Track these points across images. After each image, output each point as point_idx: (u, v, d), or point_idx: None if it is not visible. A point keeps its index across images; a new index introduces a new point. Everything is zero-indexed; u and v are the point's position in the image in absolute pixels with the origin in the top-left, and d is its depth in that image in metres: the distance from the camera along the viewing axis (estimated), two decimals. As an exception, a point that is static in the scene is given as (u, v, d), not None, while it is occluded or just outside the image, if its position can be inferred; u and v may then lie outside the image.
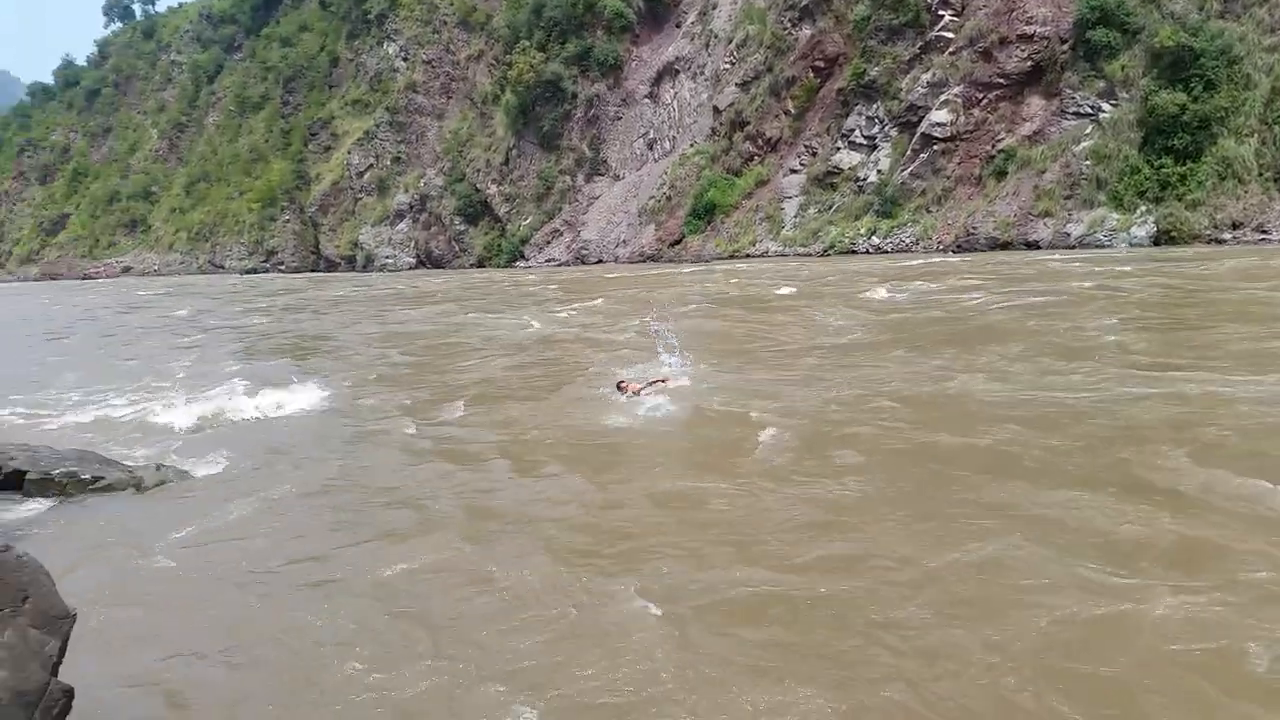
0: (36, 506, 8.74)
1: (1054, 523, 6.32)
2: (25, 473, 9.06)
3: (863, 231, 44.21)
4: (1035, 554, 5.71)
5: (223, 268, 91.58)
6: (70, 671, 3.97)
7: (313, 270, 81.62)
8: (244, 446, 10.98)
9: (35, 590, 3.87)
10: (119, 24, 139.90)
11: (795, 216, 48.91)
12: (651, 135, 62.48)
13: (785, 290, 26.51)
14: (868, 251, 42.58)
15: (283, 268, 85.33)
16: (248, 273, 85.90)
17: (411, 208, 75.65)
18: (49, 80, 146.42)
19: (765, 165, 52.60)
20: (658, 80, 62.77)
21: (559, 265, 60.19)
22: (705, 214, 53.33)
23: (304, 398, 13.88)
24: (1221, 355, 11.78)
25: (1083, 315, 16.65)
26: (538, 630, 5.31)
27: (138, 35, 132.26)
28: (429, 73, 78.56)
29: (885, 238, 43.15)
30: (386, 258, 74.87)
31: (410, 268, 72.46)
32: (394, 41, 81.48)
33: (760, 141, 53.16)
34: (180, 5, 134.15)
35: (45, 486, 9.00)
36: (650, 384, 11.51)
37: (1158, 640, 4.56)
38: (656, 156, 61.52)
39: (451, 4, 77.87)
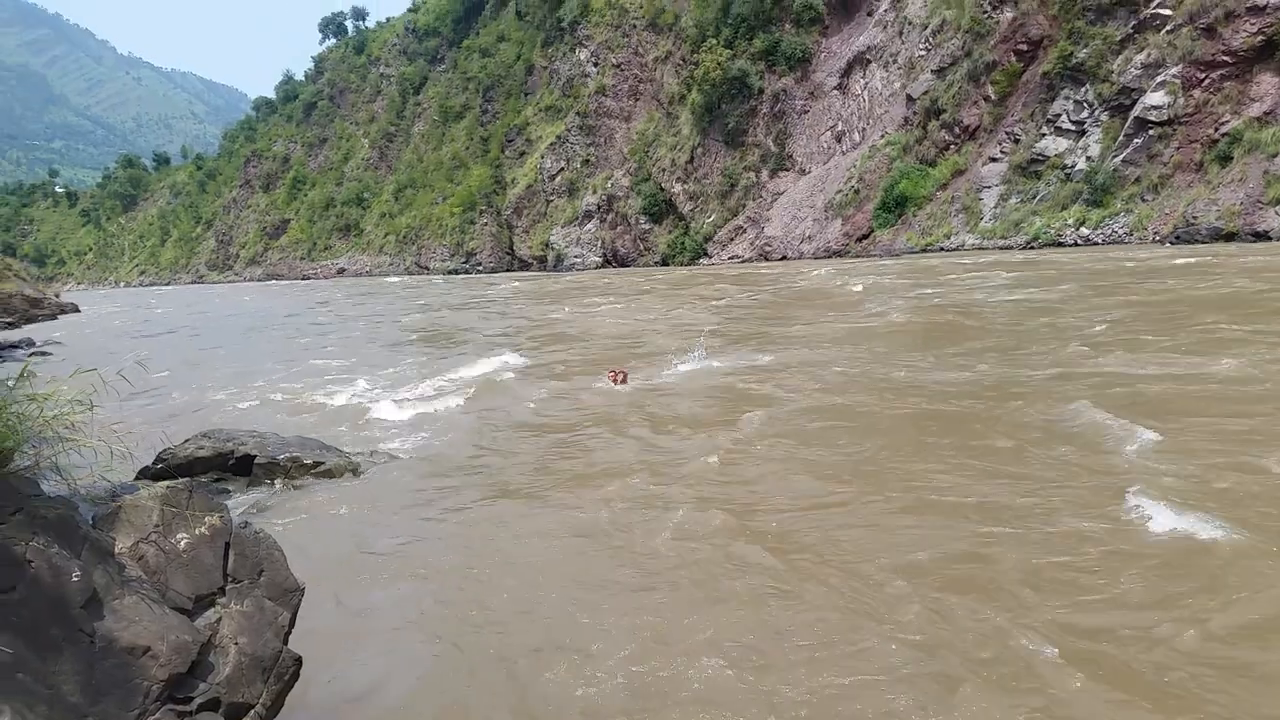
0: (264, 489, 9.55)
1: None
2: (254, 457, 9.89)
3: (1070, 222, 43.61)
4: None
5: (427, 269, 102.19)
6: (298, 641, 4.26)
7: (508, 270, 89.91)
8: (450, 431, 12.03)
9: (270, 564, 4.19)
10: (333, 40, 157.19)
11: (995, 207, 49.11)
12: (840, 127, 65.36)
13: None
14: (1075, 243, 41.75)
15: (480, 268, 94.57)
16: (449, 273, 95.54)
17: (599, 208, 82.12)
18: (271, 95, 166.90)
19: (962, 154, 53.16)
20: (847, 71, 65.50)
21: (742, 262, 63.20)
22: (896, 207, 54.51)
23: (505, 384, 15.50)
24: None
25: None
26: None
27: (350, 50, 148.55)
28: (618, 76, 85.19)
29: (1095, 228, 42.36)
30: (575, 257, 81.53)
31: (597, 266, 78.27)
32: (585, 47, 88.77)
33: (957, 130, 54.00)
34: (388, 20, 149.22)
35: (272, 470, 9.77)
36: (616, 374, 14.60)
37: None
38: (845, 149, 64.32)
39: (640, 7, 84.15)
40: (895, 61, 62.00)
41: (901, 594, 5.76)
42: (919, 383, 12.45)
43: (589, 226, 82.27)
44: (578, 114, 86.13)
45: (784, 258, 61.19)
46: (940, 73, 56.76)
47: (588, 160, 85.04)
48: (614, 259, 78.57)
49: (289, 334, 32.40)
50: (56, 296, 68.35)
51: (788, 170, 67.44)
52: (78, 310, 59.55)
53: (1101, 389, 10.82)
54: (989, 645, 4.99)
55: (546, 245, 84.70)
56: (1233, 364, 11.45)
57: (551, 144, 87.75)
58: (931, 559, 6.28)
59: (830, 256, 56.91)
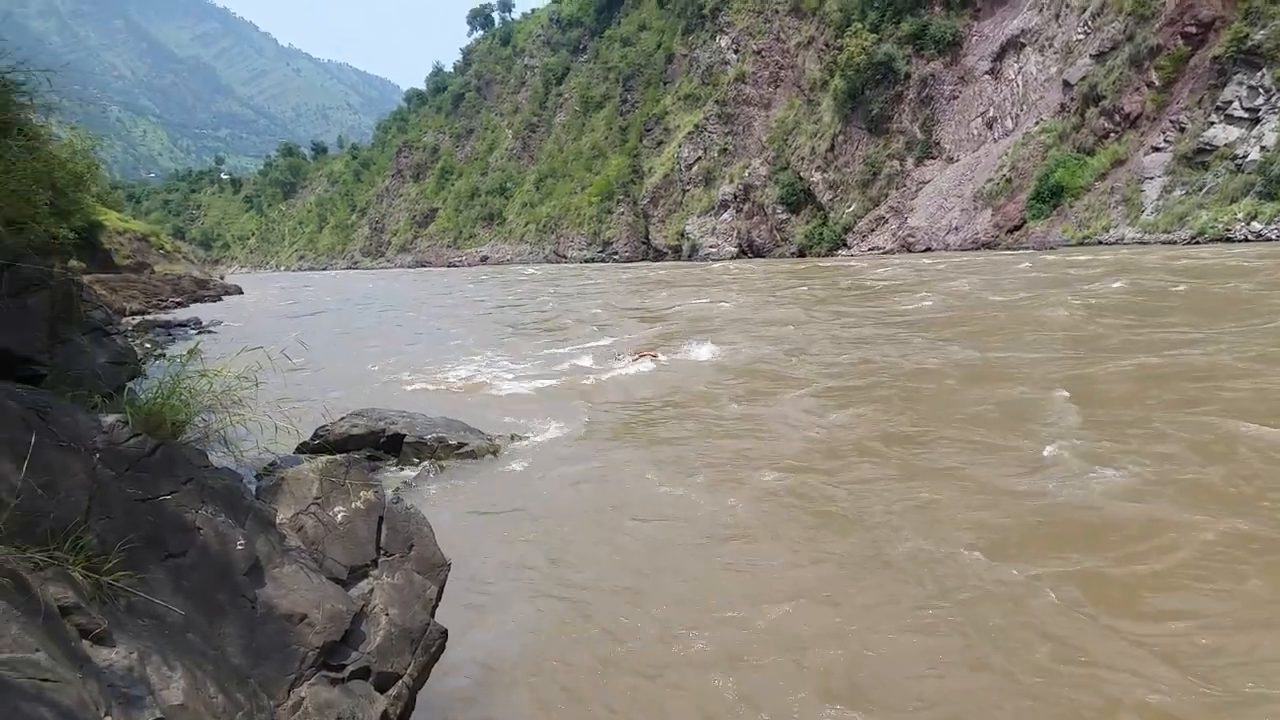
0: (412, 467, 9.97)
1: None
2: (404, 436, 10.38)
3: (1240, 216, 41.21)
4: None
5: (565, 257, 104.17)
6: (443, 615, 4.39)
7: (643, 259, 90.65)
8: (583, 414, 12.41)
9: (419, 539, 4.31)
10: (481, 32, 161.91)
11: (1158, 199, 46.65)
12: (991, 114, 62.99)
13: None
14: (1246, 239, 39.36)
15: (616, 257, 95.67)
16: (585, 261, 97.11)
17: (735, 198, 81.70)
18: (422, 86, 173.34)
19: (1122, 143, 50.60)
20: (1000, 55, 63.08)
21: (883, 254, 61.76)
22: (1051, 197, 52.29)
23: (635, 367, 16.00)
24: None
25: None
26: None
27: (496, 42, 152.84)
28: (758, 63, 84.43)
29: (1269, 223, 39.95)
30: (710, 247, 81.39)
31: (732, 257, 77.94)
32: (726, 34, 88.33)
33: (1117, 117, 51.48)
34: (533, 12, 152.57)
35: (419, 449, 10.24)
36: (640, 355, 16.98)
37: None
38: (996, 136, 61.96)
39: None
40: (1051, 45, 59.35)
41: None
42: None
43: (725, 216, 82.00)
44: (716, 102, 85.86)
45: (928, 249, 59.52)
46: (1100, 57, 53.99)
47: (725, 149, 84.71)
48: (749, 249, 78.06)
49: (434, 317, 33.65)
50: (221, 278, 73.13)
51: (934, 158, 65.45)
52: (240, 292, 63.53)
53: None
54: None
55: (682, 235, 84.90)
56: None
57: (689, 133, 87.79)
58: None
59: (978, 248, 55.06)
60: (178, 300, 47.21)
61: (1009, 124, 61.23)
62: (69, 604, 2.72)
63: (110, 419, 3.49)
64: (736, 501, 8.02)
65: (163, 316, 35.22)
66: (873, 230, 66.33)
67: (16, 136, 4.74)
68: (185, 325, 31.25)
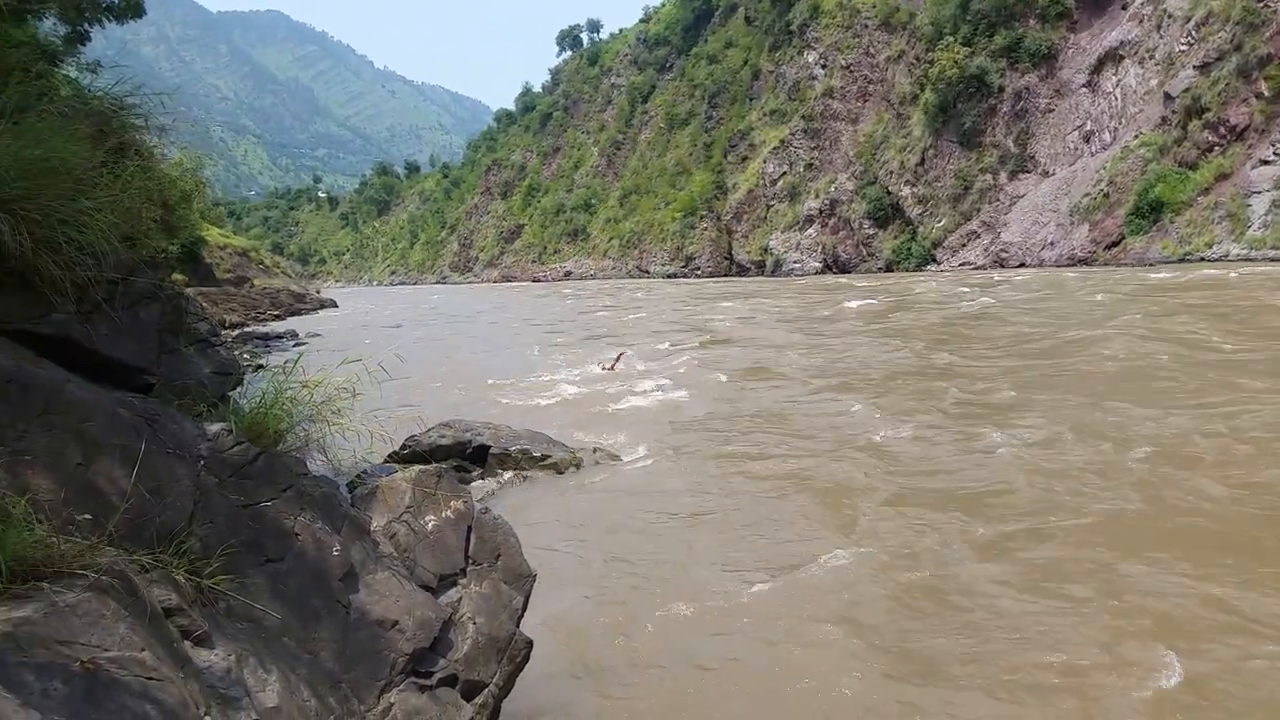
0: (496, 478, 10.17)
1: None
2: (489, 448, 10.58)
3: None
4: None
5: (647, 273, 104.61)
6: (526, 626, 4.41)
7: (725, 275, 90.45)
8: (666, 426, 12.59)
9: (506, 550, 4.37)
10: (569, 52, 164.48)
11: (1265, 215, 44.73)
12: (1088, 127, 61.25)
13: None
14: None
15: (699, 273, 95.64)
16: (668, 276, 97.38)
17: (821, 213, 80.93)
18: (511, 106, 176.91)
19: (1227, 156, 48.65)
20: (1097, 68, 61.37)
21: (974, 269, 60.55)
22: (1150, 212, 50.67)
23: (713, 384, 16.14)
24: None
25: None
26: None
27: (584, 62, 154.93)
28: (846, 78, 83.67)
29: None
30: (794, 262, 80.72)
31: (816, 272, 77.21)
32: (814, 50, 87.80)
33: (1222, 129, 49.46)
34: (620, 31, 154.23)
35: (504, 461, 10.42)
36: (616, 360, 19.58)
37: None
38: (1094, 150, 60.23)
39: (873, 7, 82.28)
40: (1152, 57, 57.49)
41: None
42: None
43: (809, 231, 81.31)
44: (803, 117, 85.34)
45: (1022, 265, 58.10)
46: (1204, 68, 52.07)
47: (811, 164, 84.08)
48: (834, 264, 77.24)
49: (517, 329, 34.21)
50: (317, 293, 75.52)
51: (1028, 172, 63.86)
52: (335, 305, 65.57)
53: None
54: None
55: (765, 250, 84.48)
56: None
57: (774, 148, 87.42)
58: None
59: (1074, 264, 53.55)
60: (275, 313, 48.95)
61: (1106, 137, 59.51)
62: (172, 606, 2.82)
63: (215, 427, 3.62)
64: (822, 518, 7.99)
65: (261, 329, 36.54)
66: (964, 245, 65.06)
67: (133, 157, 4.97)
68: (282, 337, 32.35)
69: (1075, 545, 6.82)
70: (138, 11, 10.38)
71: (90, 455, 3.06)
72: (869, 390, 14.64)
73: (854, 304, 34.03)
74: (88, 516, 2.83)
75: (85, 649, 2.32)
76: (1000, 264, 60.30)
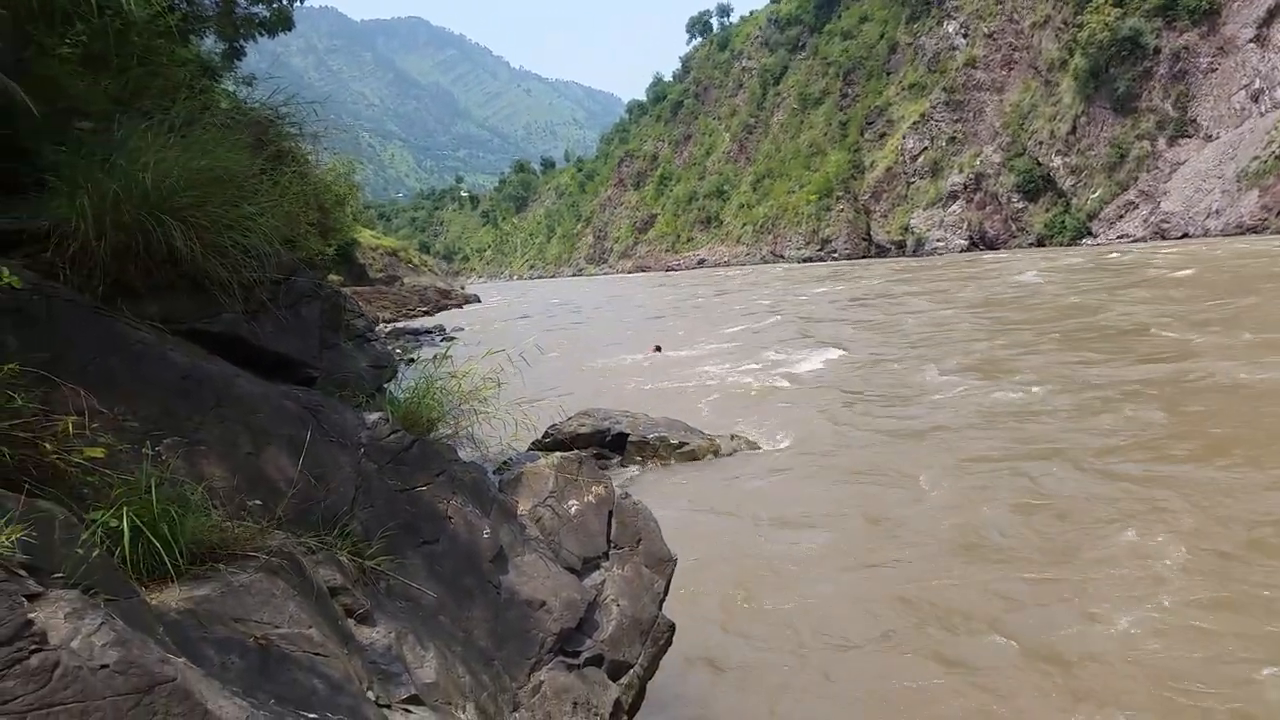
0: (635, 464, 10.38)
1: None
2: (627, 435, 10.77)
3: None
4: None
5: (782, 257, 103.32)
6: (667, 609, 4.43)
7: (863, 256, 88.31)
8: (800, 415, 12.49)
9: (646, 534, 4.42)
10: (699, 39, 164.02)
11: None
12: (1256, 85, 56.78)
13: None
14: None
15: (835, 255, 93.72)
16: (803, 261, 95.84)
17: (965, 188, 78.01)
18: (642, 97, 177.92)
19: None
20: (1267, 21, 56.80)
21: (1133, 241, 57.46)
22: None
23: (844, 374, 15.90)
24: None
25: None
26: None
27: (714, 47, 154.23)
28: (989, 46, 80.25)
29: None
30: (937, 240, 78.17)
31: (961, 250, 74.56)
32: (954, 19, 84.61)
33: None
34: (751, 14, 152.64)
35: (642, 448, 10.61)
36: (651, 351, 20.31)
37: None
38: (1263, 110, 55.83)
39: (1016, -29, 78.71)
40: (1330, 5, 52.64)
41: None
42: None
43: (953, 208, 78.54)
44: (944, 89, 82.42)
45: (1184, 235, 54.54)
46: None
47: (953, 138, 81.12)
48: (981, 241, 74.36)
49: (650, 318, 34.40)
50: (461, 289, 78.12)
51: (1189, 136, 59.72)
52: (478, 300, 67.68)
53: None
54: None
55: (905, 229, 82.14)
56: None
57: (914, 123, 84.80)
58: None
59: (1243, 233, 49.84)
60: (424, 309, 50.93)
61: (1278, 95, 54.91)
62: (337, 585, 2.99)
63: (373, 416, 3.81)
64: (970, 511, 7.73)
65: (411, 324, 38.09)
66: (1120, 217, 61.59)
67: (290, 164, 5.25)
68: (430, 332, 33.64)
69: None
70: (287, 24, 10.95)
71: (260, 444, 3.27)
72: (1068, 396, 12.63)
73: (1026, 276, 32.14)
74: (258, 502, 3.02)
75: (258, 626, 2.48)
76: (1161, 235, 56.85)
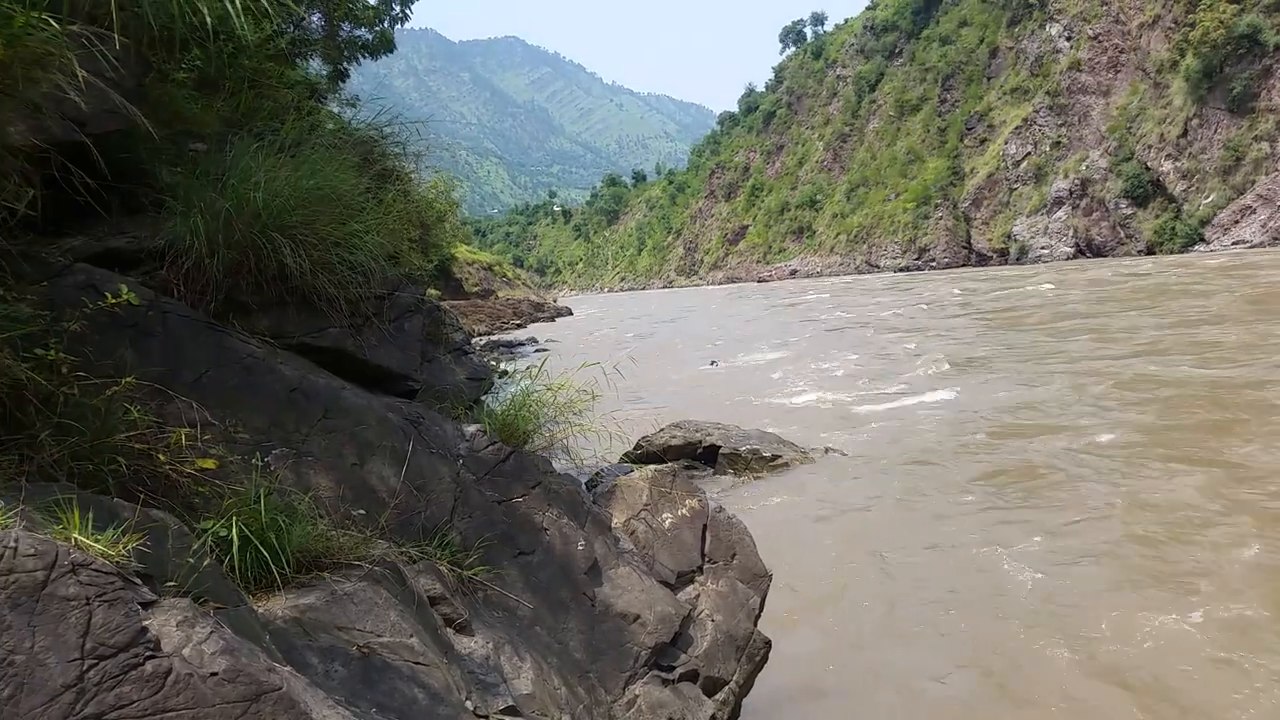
0: (728, 477, 10.22)
1: None
2: (719, 448, 10.66)
3: None
4: None
5: (877, 267, 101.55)
6: (762, 626, 4.34)
7: (963, 265, 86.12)
8: (894, 430, 12.19)
9: (741, 549, 4.36)
10: (793, 48, 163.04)
11: None
12: (1388, 80, 53.63)
13: None
14: None
15: (934, 264, 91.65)
16: (899, 270, 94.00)
17: (1071, 194, 75.48)
18: (734, 108, 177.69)
19: None
20: (1399, 11, 53.64)
21: (1250, 247, 54.75)
22: None
23: (943, 394, 15.03)
24: None
25: None
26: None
27: (808, 56, 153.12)
28: (1095, 48, 77.59)
29: None
30: (1041, 248, 75.77)
31: (1067, 258, 72.10)
32: (1057, 22, 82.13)
33: None
34: (846, 22, 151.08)
35: (734, 461, 10.47)
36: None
37: None
38: (1397, 106, 52.67)
39: (1122, -30, 76.01)
40: None
41: None
42: None
43: (1058, 214, 76.07)
44: (1047, 93, 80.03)
45: (1308, 241, 51.45)
46: None
47: (1058, 142, 78.63)
48: (1088, 249, 71.80)
49: (740, 332, 34.25)
50: (554, 301, 79.16)
51: (1315, 136, 56.55)
52: (570, 313, 68.39)
53: None
54: None
55: (1008, 237, 79.89)
56: None
57: (1016, 128, 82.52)
58: None
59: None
60: (518, 322, 51.73)
61: None
62: (436, 595, 3.02)
63: (471, 428, 3.86)
64: (1061, 538, 7.35)
65: (505, 337, 38.69)
66: (1236, 222, 58.72)
67: (393, 182, 5.38)
68: (524, 344, 34.13)
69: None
70: (390, 46, 11.26)
71: (364, 456, 3.34)
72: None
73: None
74: (361, 512, 3.08)
75: (361, 634, 2.51)
76: (1282, 241, 53.80)
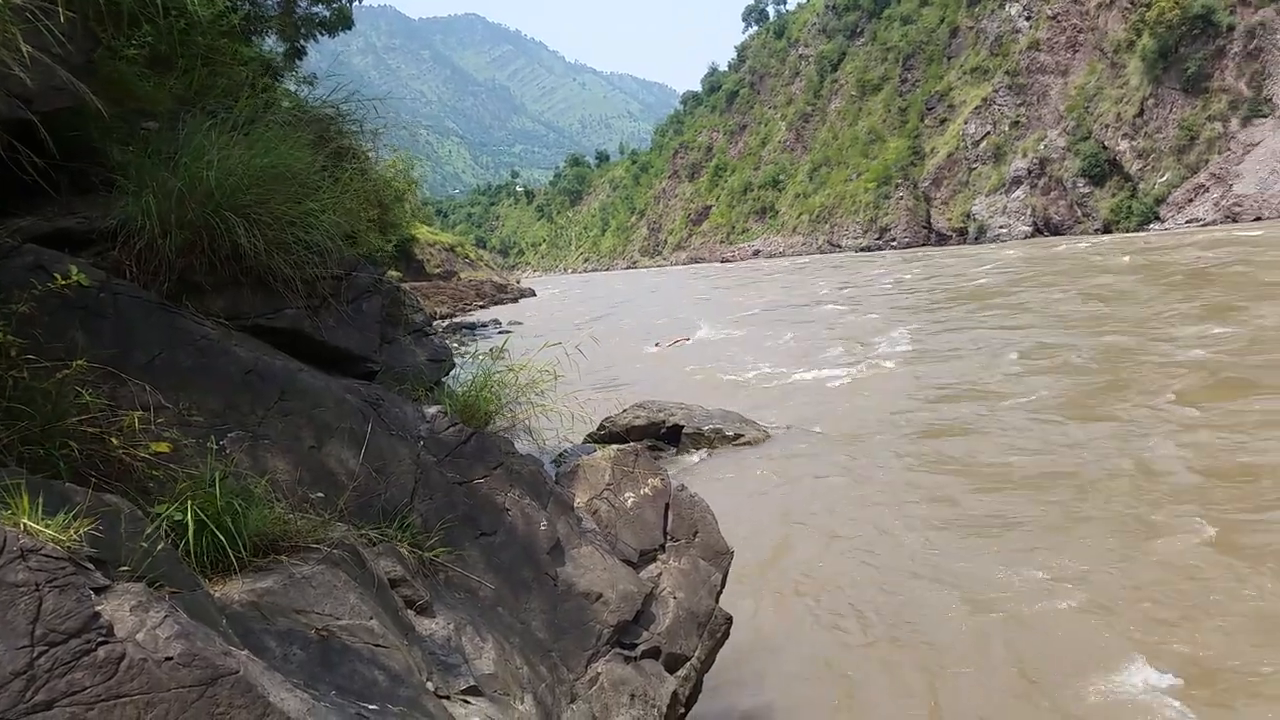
0: (690, 456, 10.35)
1: None
2: (682, 427, 10.80)
3: None
4: None
5: (839, 247, 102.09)
6: (723, 602, 4.39)
7: (923, 245, 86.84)
8: (855, 406, 12.46)
9: (703, 527, 4.39)
10: (755, 27, 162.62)
11: None
12: (1338, 61, 54.72)
13: None
14: None
15: (894, 244, 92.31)
16: (861, 250, 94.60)
17: (1029, 173, 76.28)
18: (697, 88, 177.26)
19: None
20: (1349, -7, 54.70)
21: (1202, 225, 55.78)
22: None
23: (891, 369, 15.47)
24: None
25: None
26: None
27: (770, 35, 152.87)
28: (1053, 28, 78.32)
29: None
30: (1000, 228, 76.57)
31: (1025, 237, 72.96)
32: (1016, 2, 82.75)
33: None
34: (808, 0, 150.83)
35: (697, 440, 10.62)
36: (672, 343, 19.32)
37: None
38: (1344, 86, 53.81)
39: (1080, -50, 76.64)
40: None
41: None
42: None
43: (1017, 194, 76.90)
44: (1006, 73, 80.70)
45: (1258, 218, 52.68)
46: None
47: (1017, 122, 79.38)
48: (1045, 228, 72.72)
49: (700, 312, 34.41)
50: (517, 283, 78.70)
51: (1264, 117, 57.71)
52: (534, 294, 68.15)
53: None
54: None
55: (967, 216, 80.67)
56: None
57: (976, 108, 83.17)
58: None
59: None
60: (480, 303, 51.43)
61: (1363, 70, 52.84)
62: (397, 577, 3.01)
63: (432, 410, 3.84)
64: (998, 495, 7.81)
65: (468, 318, 38.49)
66: (1190, 201, 59.74)
67: (350, 161, 5.31)
68: (486, 326, 33.96)
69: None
70: (348, 23, 11.11)
71: (322, 438, 3.31)
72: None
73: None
74: (320, 495, 3.06)
75: (320, 617, 2.50)
76: (1233, 219, 55.10)
